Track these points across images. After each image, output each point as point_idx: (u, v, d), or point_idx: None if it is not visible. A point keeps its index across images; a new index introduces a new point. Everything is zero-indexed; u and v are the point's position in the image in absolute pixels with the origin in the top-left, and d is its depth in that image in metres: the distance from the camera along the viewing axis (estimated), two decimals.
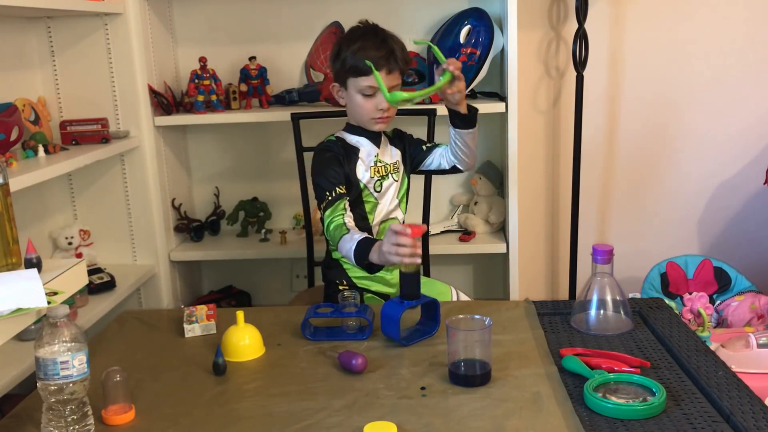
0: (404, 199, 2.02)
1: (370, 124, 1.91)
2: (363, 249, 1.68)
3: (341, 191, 1.81)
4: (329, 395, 1.37)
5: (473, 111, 1.89)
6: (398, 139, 2.03)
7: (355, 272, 1.97)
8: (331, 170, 1.85)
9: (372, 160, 1.92)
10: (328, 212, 1.79)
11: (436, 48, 1.80)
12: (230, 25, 2.68)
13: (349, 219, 1.79)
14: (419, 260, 1.56)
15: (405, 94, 1.73)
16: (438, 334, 1.62)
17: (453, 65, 1.72)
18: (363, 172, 1.91)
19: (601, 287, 1.62)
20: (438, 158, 2.01)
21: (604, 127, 2.73)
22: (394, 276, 1.98)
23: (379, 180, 1.93)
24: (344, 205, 1.80)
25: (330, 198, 1.80)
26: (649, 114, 2.71)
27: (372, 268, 1.89)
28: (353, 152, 1.91)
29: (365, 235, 1.73)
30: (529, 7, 2.62)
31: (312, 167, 1.89)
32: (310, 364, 1.52)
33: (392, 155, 1.98)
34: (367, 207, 1.93)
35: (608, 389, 1.32)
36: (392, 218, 1.97)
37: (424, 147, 2.03)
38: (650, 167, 2.75)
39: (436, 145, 2.03)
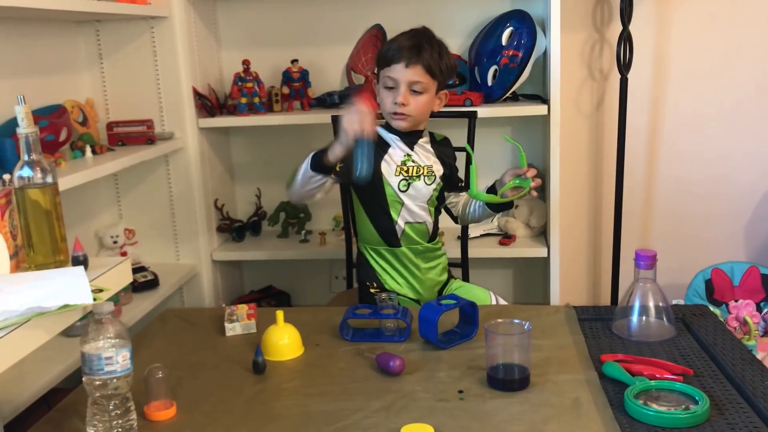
0: (434, 205, 1.98)
1: (389, 119, 1.91)
2: (319, 151, 1.76)
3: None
4: (366, 396, 1.38)
5: (510, 203, 1.92)
6: (444, 150, 1.99)
7: (384, 275, 1.97)
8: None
9: (401, 159, 1.91)
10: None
11: (522, 153, 1.84)
12: (273, 29, 2.71)
13: None
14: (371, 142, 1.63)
15: (487, 196, 1.82)
16: (476, 338, 1.61)
17: (535, 181, 1.77)
18: (387, 169, 1.90)
19: (643, 293, 1.60)
20: (460, 205, 2.02)
21: (648, 130, 2.69)
22: (423, 282, 1.97)
23: (405, 180, 1.91)
24: None
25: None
26: (695, 117, 2.66)
27: (324, 166, 1.79)
28: (383, 147, 1.91)
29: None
30: (573, 9, 2.59)
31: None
32: (348, 364, 1.53)
33: (429, 159, 1.95)
34: (391, 204, 1.92)
35: (649, 396, 1.30)
36: (420, 222, 1.95)
37: (460, 184, 2.04)
38: (695, 171, 2.70)
39: (464, 190, 2.03)
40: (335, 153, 1.73)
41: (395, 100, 1.85)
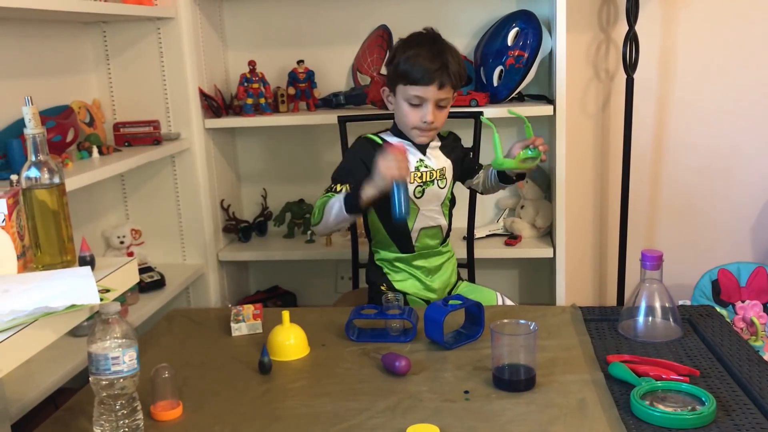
0: (447, 207, 1.98)
1: (413, 135, 1.88)
2: (352, 194, 1.73)
3: (340, 190, 1.82)
4: (372, 396, 1.38)
5: (523, 174, 1.92)
6: (452, 146, 1.99)
7: (395, 276, 1.97)
8: (349, 166, 1.88)
9: (414, 165, 1.89)
10: (321, 198, 1.82)
11: (527, 124, 1.84)
12: (279, 29, 2.71)
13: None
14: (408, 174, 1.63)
15: (510, 162, 1.80)
16: (482, 338, 1.61)
17: (543, 147, 1.78)
18: None
19: (649, 293, 1.59)
20: (480, 183, 2.03)
21: (655, 130, 2.68)
22: (434, 281, 1.97)
23: (420, 186, 1.90)
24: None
25: (331, 189, 1.83)
26: (701, 117, 2.65)
27: (364, 211, 1.82)
28: None
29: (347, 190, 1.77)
30: (578, 9, 2.59)
31: (344, 154, 1.91)
32: (353, 365, 1.53)
33: (440, 161, 1.94)
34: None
35: (656, 397, 1.30)
36: (434, 226, 1.95)
37: (476, 167, 2.04)
38: (702, 171, 2.69)
39: (480, 167, 2.04)
40: (369, 195, 1.71)
41: (424, 119, 1.82)
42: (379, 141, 1.91)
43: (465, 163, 2.03)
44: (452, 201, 2.01)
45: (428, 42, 1.84)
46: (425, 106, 1.82)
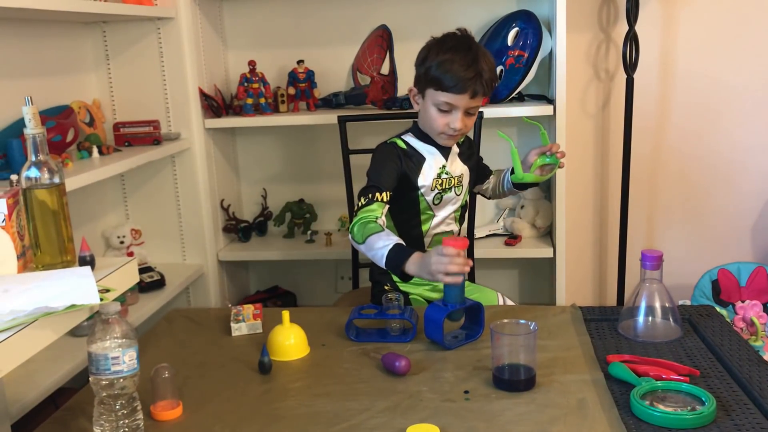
0: (459, 212, 1.96)
1: (438, 138, 1.84)
2: (398, 254, 1.62)
3: (382, 198, 1.75)
4: (372, 396, 1.38)
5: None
6: (468, 153, 1.97)
7: (401, 280, 1.96)
8: (386, 171, 1.80)
9: (436, 172, 1.86)
10: (362, 211, 1.73)
11: (543, 132, 1.83)
12: (279, 29, 2.71)
13: (382, 222, 1.72)
14: (465, 275, 1.55)
15: (533, 177, 1.81)
16: (482, 338, 1.61)
17: (560, 153, 1.80)
18: (424, 184, 1.85)
19: (649, 293, 1.59)
20: (489, 189, 2.07)
21: (655, 130, 2.68)
22: (440, 284, 1.97)
23: (439, 193, 1.87)
24: (381, 210, 1.73)
25: (370, 197, 1.74)
26: (702, 117, 2.65)
27: (403, 276, 1.70)
28: (418, 161, 1.85)
29: (399, 240, 1.65)
30: (578, 9, 2.59)
31: (372, 159, 1.84)
32: (353, 365, 1.53)
33: (459, 168, 1.92)
34: (423, 217, 1.88)
35: (656, 397, 1.30)
36: (447, 231, 1.93)
37: (487, 172, 2.07)
38: (702, 171, 2.69)
39: (490, 174, 2.07)
40: (412, 273, 1.61)
41: (452, 126, 1.77)
42: (404, 145, 1.86)
43: (478, 170, 2.04)
44: (464, 207, 1.99)
45: (463, 48, 1.76)
46: (455, 113, 1.77)
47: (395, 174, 1.81)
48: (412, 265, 1.60)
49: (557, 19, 2.26)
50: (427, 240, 1.92)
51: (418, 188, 1.84)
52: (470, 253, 2.33)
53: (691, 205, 2.72)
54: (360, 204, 1.75)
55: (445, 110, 1.77)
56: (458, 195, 1.92)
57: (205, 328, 1.77)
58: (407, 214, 1.88)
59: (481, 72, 1.73)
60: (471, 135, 2.22)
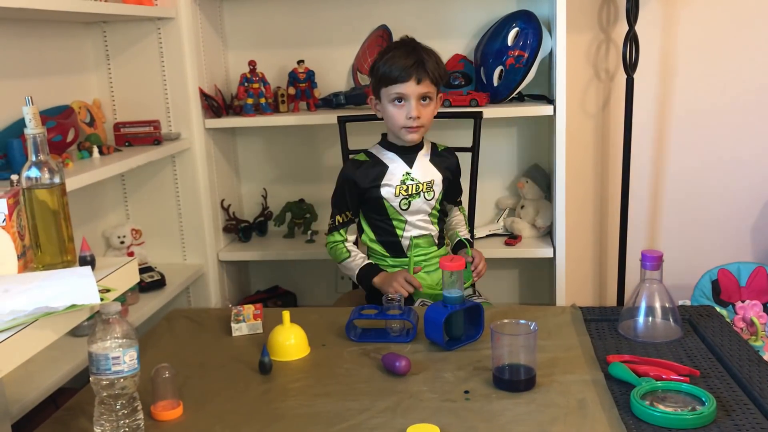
0: (436, 216, 2.02)
1: (402, 134, 1.93)
2: (366, 274, 1.93)
3: (343, 219, 1.98)
4: (372, 396, 1.38)
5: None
6: (446, 160, 2.03)
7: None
8: (340, 195, 1.99)
9: (400, 178, 1.95)
10: (329, 237, 2.02)
11: (469, 251, 1.97)
12: (279, 29, 2.71)
13: (349, 243, 2.00)
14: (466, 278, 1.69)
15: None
16: (482, 339, 1.61)
17: (477, 276, 1.97)
18: (388, 191, 1.95)
19: (649, 294, 1.59)
20: (449, 223, 2.11)
21: (655, 130, 2.68)
22: (433, 279, 1.98)
23: (405, 199, 1.95)
24: (345, 233, 2.00)
25: (332, 224, 2.00)
26: (702, 118, 2.65)
27: (372, 290, 1.96)
28: (380, 170, 1.96)
29: (366, 261, 1.96)
30: (578, 9, 2.59)
31: (343, 153, 2.06)
32: (354, 365, 1.53)
33: (428, 173, 1.98)
34: (395, 223, 1.97)
35: (656, 397, 1.30)
36: (425, 234, 1.99)
37: (456, 200, 2.11)
38: (702, 171, 2.69)
39: (455, 207, 2.12)
40: (378, 286, 1.92)
41: (409, 115, 1.88)
42: (365, 158, 2.00)
43: (450, 186, 2.05)
44: (442, 212, 2.05)
45: (404, 44, 1.93)
46: (408, 103, 1.88)
47: (352, 194, 1.97)
48: (378, 283, 1.91)
49: (557, 19, 2.25)
50: (405, 243, 1.98)
51: (381, 197, 1.94)
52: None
53: (691, 204, 2.72)
54: (329, 224, 2.02)
55: (400, 103, 1.89)
56: (428, 200, 1.97)
57: (205, 329, 1.77)
58: (381, 222, 1.98)
59: (423, 59, 1.87)
60: (470, 138, 2.23)
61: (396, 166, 1.96)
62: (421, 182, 1.96)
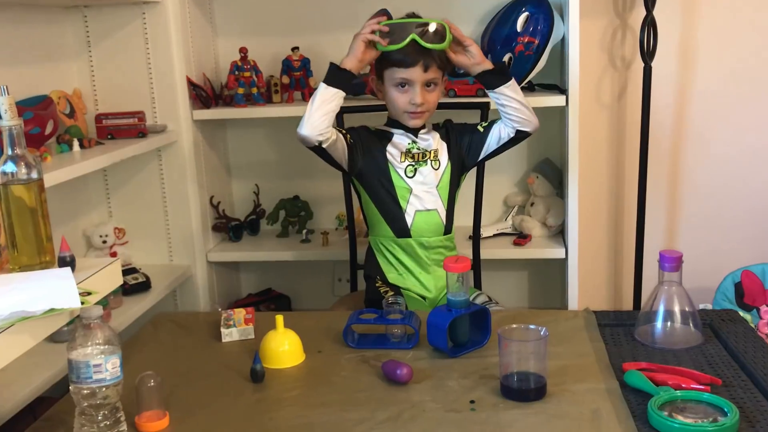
0: (446, 191, 2.03)
1: (404, 119, 1.97)
2: (332, 73, 1.90)
3: (342, 131, 1.97)
4: (372, 407, 1.38)
5: (500, 64, 2.05)
6: (445, 131, 2.07)
7: (390, 271, 2.02)
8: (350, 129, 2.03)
9: (405, 146, 2.00)
10: None
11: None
12: (272, 15, 2.71)
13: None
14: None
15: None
16: (489, 345, 1.61)
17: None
18: (393, 154, 1.99)
19: (668, 297, 1.60)
20: (497, 131, 2.02)
21: (674, 123, 2.69)
22: (428, 279, 2.00)
23: (411, 165, 1.98)
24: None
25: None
26: (724, 109, 2.65)
27: (346, 84, 1.92)
28: (388, 135, 2.01)
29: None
30: None
31: None
32: (352, 373, 1.53)
33: (434, 143, 2.02)
34: (399, 192, 1.99)
35: (675, 408, 1.30)
36: (431, 209, 2.00)
37: (480, 128, 2.06)
38: (724, 166, 2.69)
39: (492, 122, 2.06)
40: (349, 64, 1.89)
41: (413, 101, 1.92)
42: (373, 128, 2.04)
43: (463, 136, 2.05)
44: (451, 192, 2.04)
45: None
46: (413, 89, 1.92)
47: (362, 134, 2.01)
48: (346, 60, 1.90)
49: (570, 4, 2.25)
50: (408, 219, 1.99)
51: (387, 159, 1.98)
52: (475, 254, 2.33)
53: (713, 202, 2.72)
54: None
55: (403, 88, 1.93)
56: (436, 169, 2.00)
57: (193, 334, 1.78)
58: (383, 189, 1.99)
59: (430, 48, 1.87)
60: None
61: (402, 135, 2.01)
62: (428, 150, 2.00)
